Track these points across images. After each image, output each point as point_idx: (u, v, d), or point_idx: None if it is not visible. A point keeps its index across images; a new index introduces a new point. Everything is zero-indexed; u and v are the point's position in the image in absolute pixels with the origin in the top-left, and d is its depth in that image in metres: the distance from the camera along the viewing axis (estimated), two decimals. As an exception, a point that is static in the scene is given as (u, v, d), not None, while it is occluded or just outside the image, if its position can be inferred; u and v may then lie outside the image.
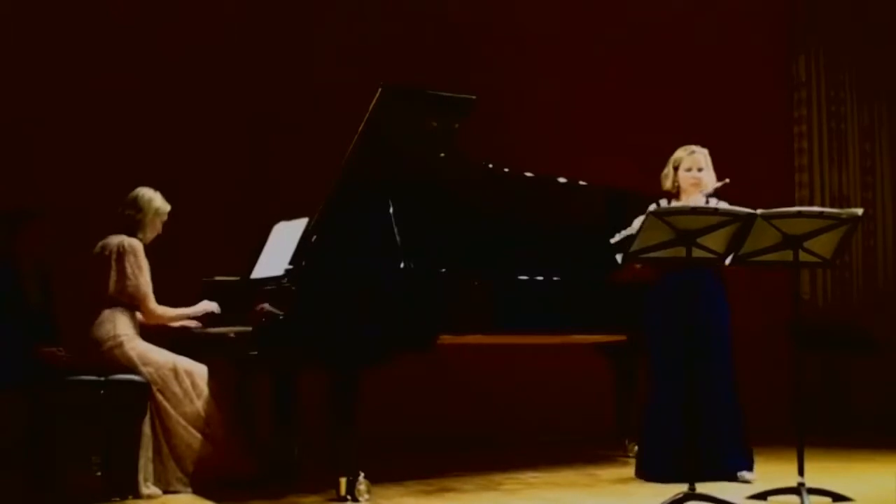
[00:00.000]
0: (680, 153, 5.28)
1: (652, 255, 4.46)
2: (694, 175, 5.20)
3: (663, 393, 5.12)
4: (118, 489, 4.71)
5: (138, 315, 5.10)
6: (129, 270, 5.00)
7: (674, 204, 5.17)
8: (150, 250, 5.12)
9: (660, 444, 5.11)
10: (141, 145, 6.41)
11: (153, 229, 5.18)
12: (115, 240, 5.06)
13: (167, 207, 5.20)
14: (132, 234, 5.10)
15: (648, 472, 5.19)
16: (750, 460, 5.15)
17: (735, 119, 7.70)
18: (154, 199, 5.17)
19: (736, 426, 5.13)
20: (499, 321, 5.23)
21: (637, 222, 5.07)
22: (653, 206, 4.99)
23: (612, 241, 5.23)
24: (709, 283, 5.10)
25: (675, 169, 5.26)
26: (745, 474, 5.06)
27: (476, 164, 5.52)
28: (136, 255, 5.03)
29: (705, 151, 5.28)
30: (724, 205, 5.06)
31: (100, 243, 5.10)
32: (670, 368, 5.07)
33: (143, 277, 5.03)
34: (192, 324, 5.22)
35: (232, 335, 5.00)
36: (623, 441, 6.20)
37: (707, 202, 5.14)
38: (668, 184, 5.27)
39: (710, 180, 5.20)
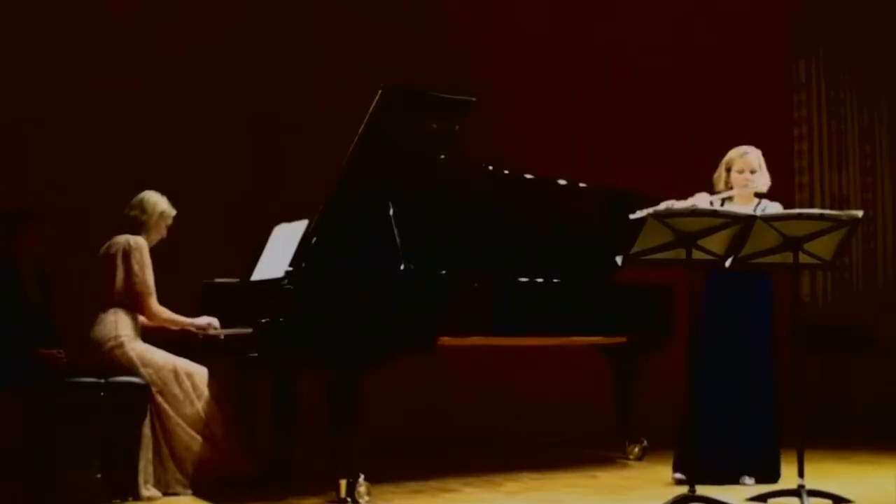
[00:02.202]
0: (732, 154, 5.18)
1: (651, 257, 4.45)
2: (746, 176, 5.12)
3: (703, 394, 4.99)
4: (118, 491, 4.71)
5: (140, 319, 5.11)
6: (135, 267, 5.02)
7: (727, 206, 5.04)
8: (151, 251, 5.12)
9: (706, 445, 4.97)
10: (140, 146, 6.41)
11: (157, 232, 5.18)
12: (122, 239, 5.08)
13: (172, 212, 5.21)
14: (136, 234, 5.11)
15: (708, 476, 4.94)
16: (776, 467, 5.05)
17: (735, 120, 7.67)
18: (160, 203, 5.18)
19: (767, 431, 5.08)
20: (499, 323, 5.23)
21: (663, 205, 4.99)
22: (664, 205, 4.98)
23: (633, 216, 5.16)
24: (756, 285, 5.06)
25: (728, 171, 5.17)
26: (746, 479, 5.03)
27: (476, 166, 5.52)
28: (141, 253, 5.04)
29: (758, 153, 5.17)
30: (775, 206, 5.03)
31: (105, 244, 5.10)
32: (713, 369, 5.02)
33: (147, 276, 5.04)
34: (206, 321, 5.19)
35: (222, 336, 5.01)
36: (623, 442, 6.20)
37: (759, 203, 5.11)
38: (720, 185, 5.17)
39: (764, 182, 5.14)
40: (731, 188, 5.13)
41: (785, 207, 4.61)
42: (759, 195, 5.16)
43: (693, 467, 4.53)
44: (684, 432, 5.02)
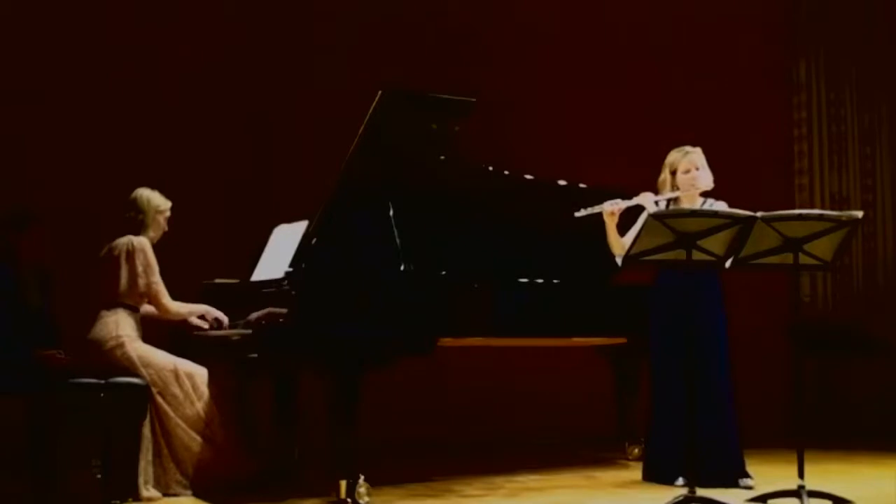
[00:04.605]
0: (675, 155, 5.22)
1: (652, 257, 4.45)
2: (693, 175, 5.15)
3: (663, 395, 5.13)
4: (118, 492, 4.70)
5: (146, 307, 5.11)
6: (139, 269, 5.02)
7: (673, 206, 5.15)
8: (154, 249, 5.12)
9: (663, 447, 5.10)
10: (141, 147, 6.42)
11: (157, 227, 5.19)
12: (124, 240, 5.08)
13: (167, 204, 5.21)
14: (138, 235, 5.11)
15: (653, 474, 5.19)
16: (742, 467, 5.11)
17: (735, 122, 7.69)
18: (152, 198, 5.18)
19: (728, 432, 5.10)
20: (499, 324, 5.23)
21: (608, 204, 5.12)
22: (652, 208, 5.01)
23: (577, 215, 5.22)
24: (704, 285, 5.06)
25: (673, 173, 5.21)
26: (746, 481, 5.04)
27: (476, 167, 5.53)
28: (145, 253, 5.05)
29: (699, 150, 5.22)
30: (720, 204, 5.06)
31: (107, 246, 5.10)
32: (668, 370, 5.07)
33: (154, 275, 5.05)
34: (204, 323, 5.20)
35: (236, 337, 5.02)
36: (623, 443, 6.20)
37: (704, 202, 5.14)
38: (666, 189, 5.22)
39: (707, 179, 5.17)
40: (677, 188, 5.16)
41: (785, 208, 4.60)
42: (704, 194, 5.18)
43: (692, 469, 4.53)
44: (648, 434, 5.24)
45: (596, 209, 5.20)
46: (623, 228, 5.16)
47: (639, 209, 5.07)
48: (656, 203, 5.12)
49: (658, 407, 5.19)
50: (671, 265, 4.60)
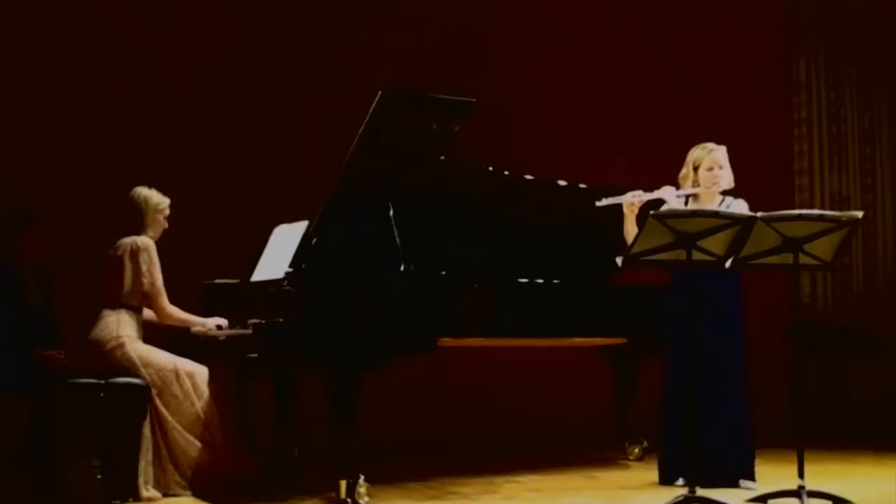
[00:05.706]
0: (699, 152, 5.16)
1: (652, 257, 4.45)
2: (716, 174, 5.11)
3: (676, 395, 5.07)
4: (118, 492, 4.70)
5: (147, 312, 5.11)
6: (143, 268, 5.02)
7: (692, 204, 5.12)
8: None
9: (674, 447, 5.07)
10: (141, 147, 6.42)
11: (157, 226, 5.19)
12: (128, 240, 5.08)
13: (166, 201, 5.21)
14: (139, 234, 5.11)
15: (665, 475, 5.15)
16: (751, 469, 5.08)
17: (735, 121, 7.67)
18: (151, 197, 5.18)
19: (735, 433, 5.07)
20: (499, 324, 5.23)
21: (629, 195, 5.10)
22: (673, 202, 5.00)
23: (598, 204, 5.18)
24: (720, 285, 5.03)
25: (696, 169, 5.16)
26: (747, 483, 5.02)
27: (476, 167, 5.53)
28: (149, 253, 5.05)
29: (723, 148, 5.17)
30: (739, 203, 5.05)
31: (112, 247, 5.10)
32: (681, 370, 5.03)
33: (157, 275, 5.04)
34: (217, 321, 5.19)
35: (223, 338, 5.02)
36: (623, 443, 6.21)
37: (723, 200, 5.12)
38: (687, 184, 5.17)
39: (729, 178, 5.14)
40: (698, 185, 5.13)
41: (785, 208, 4.60)
42: (723, 192, 5.16)
43: (693, 469, 4.53)
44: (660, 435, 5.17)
45: (617, 199, 5.15)
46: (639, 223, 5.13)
47: (657, 204, 5.03)
48: (677, 197, 5.09)
49: (671, 407, 5.11)
50: (671, 265, 4.61)
